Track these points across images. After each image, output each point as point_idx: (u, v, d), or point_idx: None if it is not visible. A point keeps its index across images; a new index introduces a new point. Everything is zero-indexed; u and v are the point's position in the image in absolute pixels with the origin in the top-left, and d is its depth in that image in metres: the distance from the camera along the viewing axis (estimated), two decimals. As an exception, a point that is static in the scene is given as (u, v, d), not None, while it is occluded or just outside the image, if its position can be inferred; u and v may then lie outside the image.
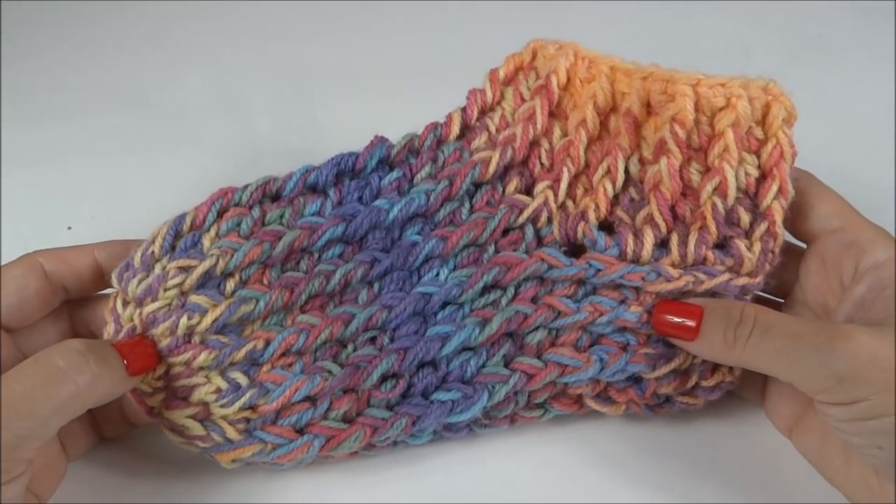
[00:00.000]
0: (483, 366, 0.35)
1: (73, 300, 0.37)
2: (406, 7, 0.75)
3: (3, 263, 0.45)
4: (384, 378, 0.35)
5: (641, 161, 0.37)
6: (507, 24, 0.73)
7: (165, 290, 0.34)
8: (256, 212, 0.36)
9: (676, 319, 0.34)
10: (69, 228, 0.52)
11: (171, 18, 0.75)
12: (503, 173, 0.38)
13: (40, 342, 0.35)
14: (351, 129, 0.60)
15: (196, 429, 0.34)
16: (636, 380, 0.37)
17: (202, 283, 0.34)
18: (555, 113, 0.38)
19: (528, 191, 0.38)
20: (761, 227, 0.35)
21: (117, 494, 0.37)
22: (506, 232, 0.37)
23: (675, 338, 0.35)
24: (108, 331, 0.35)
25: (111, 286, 0.36)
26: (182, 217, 0.36)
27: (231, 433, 0.34)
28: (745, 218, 0.35)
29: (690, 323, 0.34)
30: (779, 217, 0.35)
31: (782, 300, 0.39)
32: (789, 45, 0.69)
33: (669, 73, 0.36)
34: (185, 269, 0.34)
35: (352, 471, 0.38)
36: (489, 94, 0.39)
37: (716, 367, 0.37)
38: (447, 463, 0.38)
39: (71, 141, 0.60)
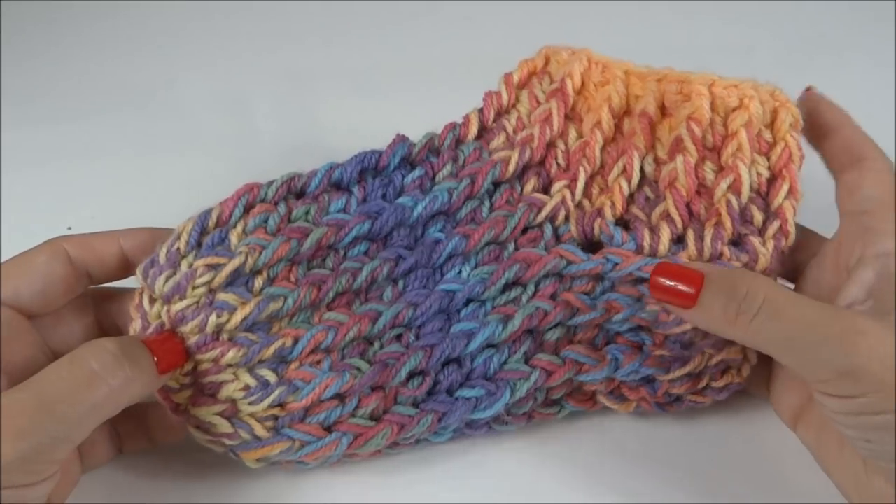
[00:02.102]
0: (505, 362, 0.36)
1: (99, 294, 0.38)
2: (406, 7, 0.75)
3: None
4: (411, 375, 0.35)
5: (656, 161, 0.37)
6: (506, 25, 0.73)
7: (194, 288, 0.34)
8: (282, 208, 0.36)
9: (674, 284, 0.32)
10: (69, 228, 0.52)
11: (171, 18, 0.76)
12: (521, 173, 0.38)
13: (66, 334, 0.36)
14: (351, 129, 0.61)
15: (223, 426, 0.34)
16: (649, 379, 0.38)
17: (231, 281, 0.35)
18: (569, 116, 0.39)
19: (546, 190, 0.38)
20: (774, 226, 0.36)
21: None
22: (525, 230, 0.38)
23: (672, 304, 0.33)
24: (135, 327, 0.35)
25: (135, 274, 0.36)
26: (208, 213, 0.36)
27: (259, 430, 0.34)
28: (759, 216, 0.36)
29: (689, 290, 0.32)
30: (790, 216, 0.36)
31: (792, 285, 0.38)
32: (789, 44, 0.70)
33: (684, 74, 0.37)
34: (214, 267, 0.34)
35: (360, 471, 0.38)
36: (504, 97, 0.40)
37: (726, 369, 0.38)
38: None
39: (71, 141, 0.61)
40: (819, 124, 0.37)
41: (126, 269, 0.36)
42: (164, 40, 0.73)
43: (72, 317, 0.37)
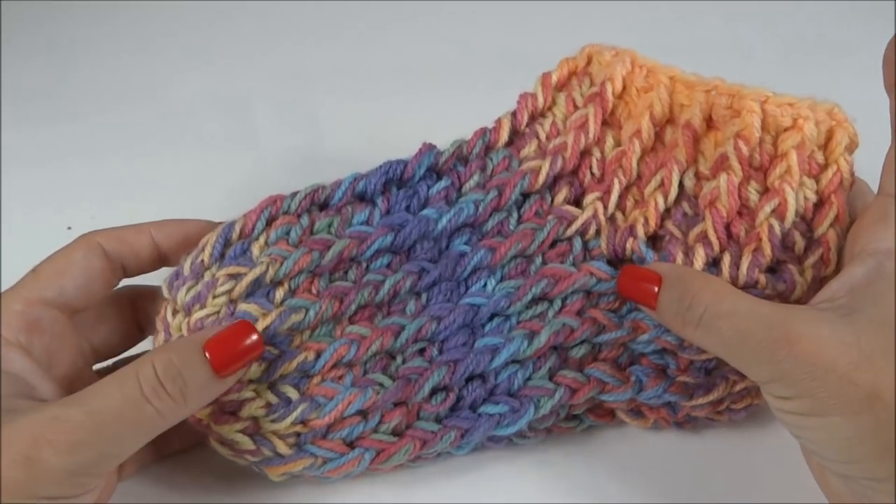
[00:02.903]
0: (529, 378, 0.36)
1: (137, 293, 0.38)
2: (406, 7, 0.75)
3: (3, 263, 0.45)
4: (434, 391, 0.35)
5: (697, 176, 0.36)
6: (506, 25, 0.73)
7: (214, 297, 0.34)
8: (305, 220, 0.36)
9: (637, 285, 0.33)
10: (69, 228, 0.52)
11: (172, 18, 0.76)
12: (552, 183, 0.38)
13: (107, 332, 0.37)
14: (351, 130, 0.61)
15: (246, 443, 0.34)
16: (671, 402, 0.37)
17: (251, 292, 0.34)
18: (608, 121, 0.38)
19: (578, 201, 0.37)
20: (815, 254, 0.34)
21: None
22: (554, 243, 0.37)
23: (639, 304, 0.34)
24: (159, 340, 0.35)
25: (167, 265, 0.36)
26: (231, 225, 0.36)
27: (281, 448, 0.34)
28: (800, 243, 0.34)
29: (651, 290, 0.33)
30: (834, 245, 0.34)
31: None
32: (789, 45, 0.70)
33: (736, 87, 0.36)
34: (235, 277, 0.34)
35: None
36: (540, 99, 0.39)
37: (746, 394, 0.37)
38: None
39: (71, 141, 0.61)
40: None
41: (158, 260, 0.37)
42: (164, 40, 0.73)
43: (112, 314, 0.37)
